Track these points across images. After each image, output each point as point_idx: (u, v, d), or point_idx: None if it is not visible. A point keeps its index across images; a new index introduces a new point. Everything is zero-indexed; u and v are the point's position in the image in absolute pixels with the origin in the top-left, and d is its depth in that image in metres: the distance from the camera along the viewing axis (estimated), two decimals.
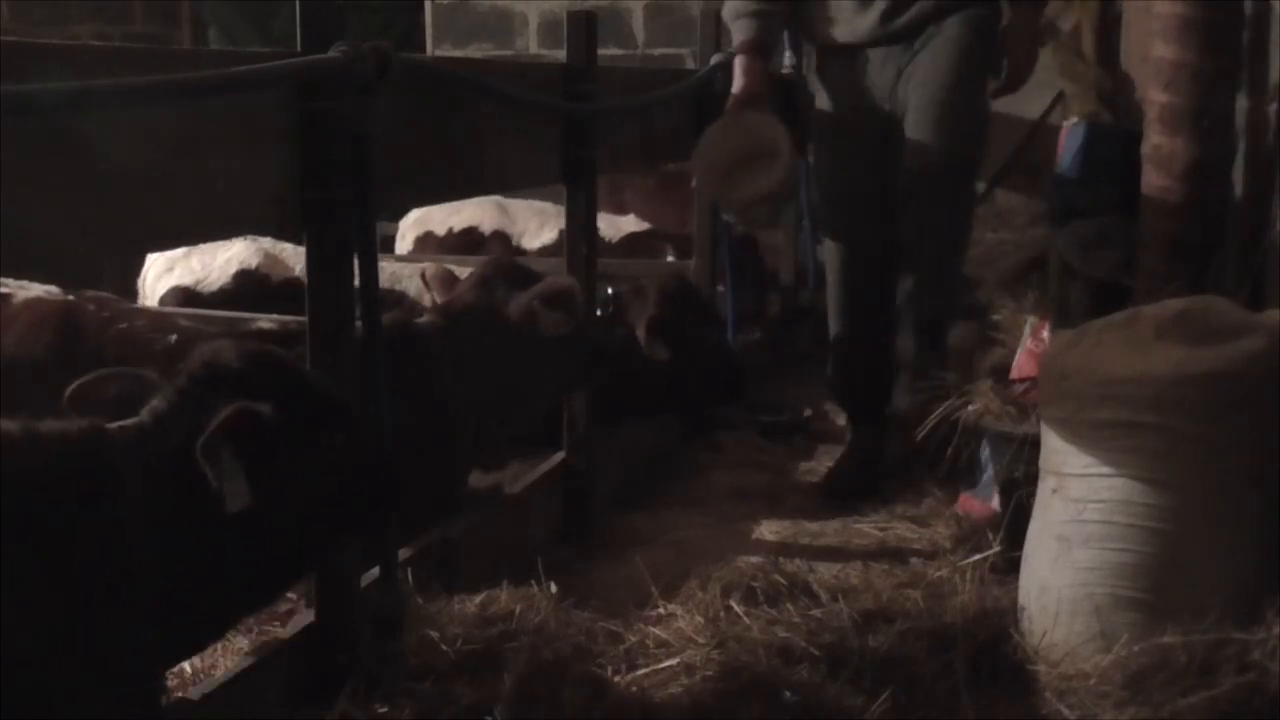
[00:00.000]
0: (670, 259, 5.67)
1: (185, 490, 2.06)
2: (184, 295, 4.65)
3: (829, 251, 4.55)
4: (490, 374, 3.40)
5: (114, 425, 2.11)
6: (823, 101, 4.44)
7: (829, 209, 4.60)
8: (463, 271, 3.83)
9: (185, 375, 2.15)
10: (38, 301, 3.58)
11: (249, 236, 4.63)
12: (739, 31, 4.33)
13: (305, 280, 2.66)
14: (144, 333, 3.56)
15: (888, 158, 4.22)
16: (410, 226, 6.10)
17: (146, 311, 3.91)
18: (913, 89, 4.18)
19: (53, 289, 3.65)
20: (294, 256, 4.62)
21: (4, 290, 3.63)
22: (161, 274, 4.73)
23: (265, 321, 3.67)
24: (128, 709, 2.06)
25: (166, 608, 2.06)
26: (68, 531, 1.98)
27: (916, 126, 4.18)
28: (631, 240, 5.81)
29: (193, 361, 2.17)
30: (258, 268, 4.67)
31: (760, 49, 4.30)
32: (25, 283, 3.65)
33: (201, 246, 4.65)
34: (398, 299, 4.41)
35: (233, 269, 4.69)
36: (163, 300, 4.68)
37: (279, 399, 2.13)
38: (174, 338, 3.53)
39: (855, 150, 4.30)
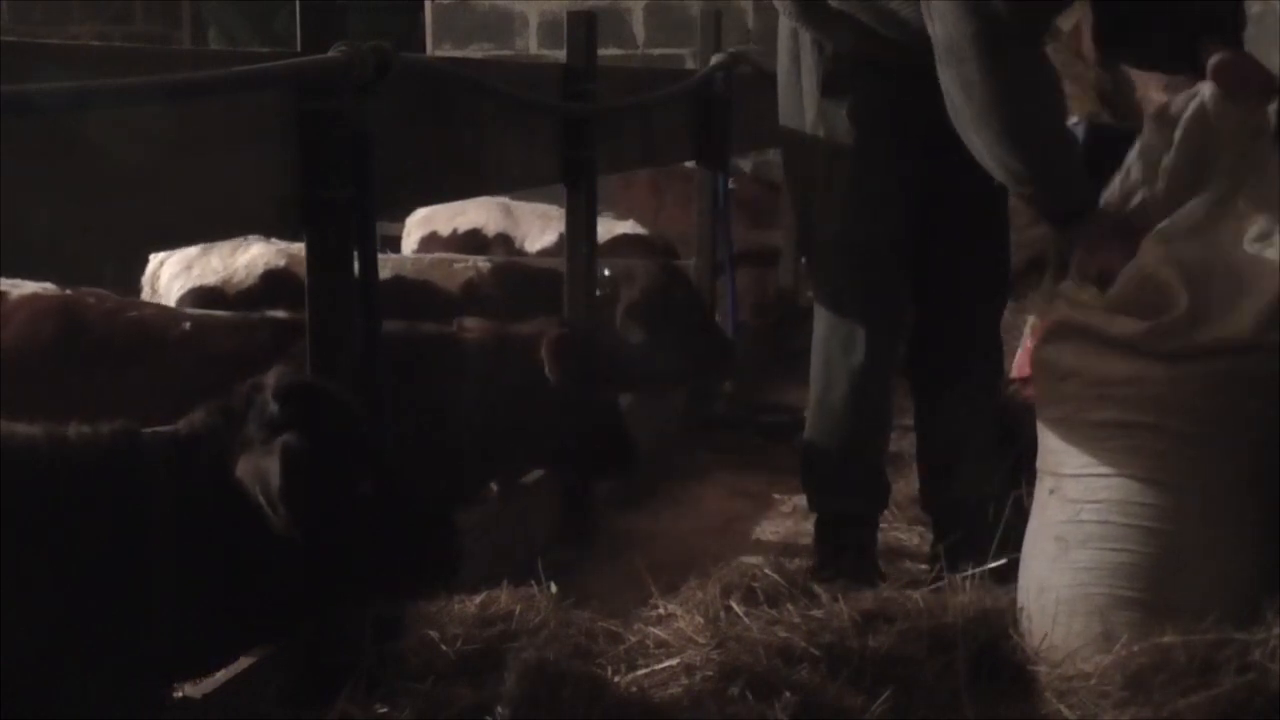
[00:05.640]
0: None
1: (210, 504, 2.07)
2: (208, 295, 4.47)
3: None
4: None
5: (148, 431, 2.12)
6: None
7: None
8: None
9: (234, 395, 2.16)
10: (35, 297, 3.57)
11: (264, 238, 4.48)
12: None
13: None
14: (156, 319, 3.56)
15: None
16: (416, 225, 6.10)
17: (148, 305, 3.89)
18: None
19: (48, 285, 3.63)
20: None
21: None
22: (178, 274, 4.58)
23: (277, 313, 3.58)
24: (134, 712, 2.06)
25: (181, 620, 2.06)
26: (91, 536, 1.99)
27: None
28: (621, 243, 5.78)
29: (245, 384, 2.17)
30: (286, 267, 4.45)
31: None
32: (18, 280, 3.63)
33: (218, 246, 4.51)
34: (421, 288, 4.34)
35: (259, 270, 4.52)
36: (181, 301, 4.49)
37: (315, 434, 2.11)
38: (188, 325, 3.53)
39: None
